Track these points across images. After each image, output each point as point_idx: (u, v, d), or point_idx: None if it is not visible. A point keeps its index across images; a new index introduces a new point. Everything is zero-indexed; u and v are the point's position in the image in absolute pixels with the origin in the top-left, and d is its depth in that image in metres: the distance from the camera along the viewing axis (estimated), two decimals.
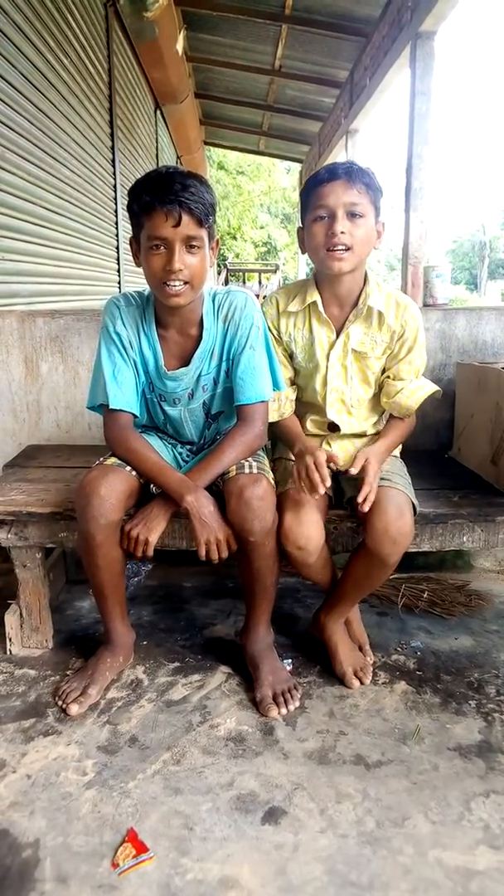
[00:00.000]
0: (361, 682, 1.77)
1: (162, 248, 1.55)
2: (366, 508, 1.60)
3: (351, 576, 1.75)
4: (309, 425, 1.90)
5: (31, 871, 1.22)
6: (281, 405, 1.83)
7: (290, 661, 1.87)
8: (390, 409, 1.82)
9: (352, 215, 1.61)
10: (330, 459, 1.62)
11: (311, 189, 1.65)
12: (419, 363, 1.81)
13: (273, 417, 1.80)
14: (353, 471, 1.63)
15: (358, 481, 1.77)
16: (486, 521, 1.84)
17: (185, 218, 1.51)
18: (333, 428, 1.87)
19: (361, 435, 1.91)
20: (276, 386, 1.76)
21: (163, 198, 1.49)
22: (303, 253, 1.77)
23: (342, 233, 1.61)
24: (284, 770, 1.47)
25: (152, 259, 1.56)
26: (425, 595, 2.25)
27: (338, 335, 1.79)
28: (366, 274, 1.77)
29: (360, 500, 1.59)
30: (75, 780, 1.45)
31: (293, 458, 1.72)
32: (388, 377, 1.81)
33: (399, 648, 1.96)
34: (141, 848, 1.26)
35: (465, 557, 2.50)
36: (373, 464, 1.64)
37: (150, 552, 1.64)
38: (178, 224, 1.51)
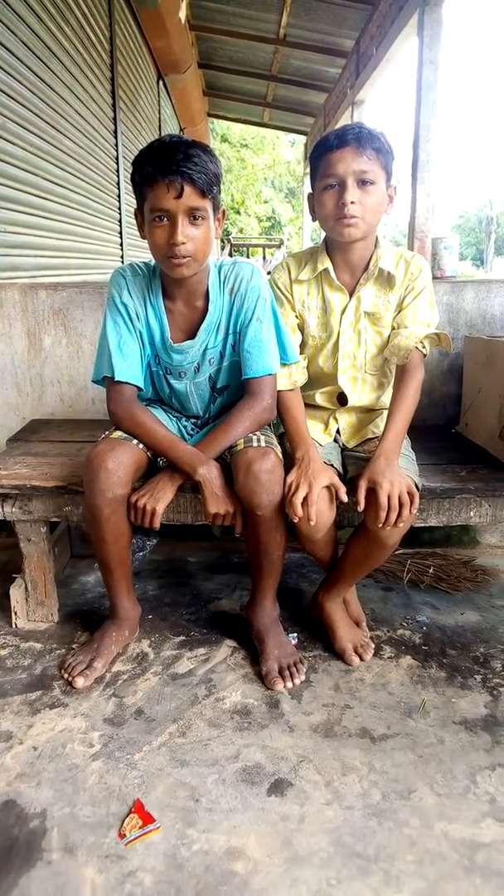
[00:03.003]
0: (361, 659, 1.76)
1: (164, 219, 1.51)
2: (360, 508, 1.58)
3: (350, 555, 1.74)
4: (318, 398, 1.88)
5: (38, 841, 1.23)
6: (292, 373, 1.78)
7: (295, 635, 1.87)
8: (390, 356, 1.76)
9: (362, 183, 1.57)
10: (335, 489, 1.61)
11: (321, 155, 1.60)
12: (424, 315, 1.74)
13: (284, 385, 1.76)
14: (359, 508, 1.58)
15: (361, 461, 1.75)
16: (494, 496, 1.83)
17: (188, 189, 1.47)
18: (343, 400, 1.85)
19: (369, 409, 1.88)
20: (284, 358, 1.73)
21: (164, 168, 1.46)
22: (314, 220, 1.73)
23: (352, 203, 1.57)
24: (290, 743, 1.48)
25: (155, 231, 1.53)
26: (431, 570, 2.24)
27: (349, 299, 1.76)
28: (376, 238, 1.74)
29: (356, 499, 1.58)
30: (82, 751, 1.45)
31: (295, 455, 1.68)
32: (394, 327, 1.77)
33: (405, 623, 1.96)
34: (147, 819, 1.27)
35: (472, 533, 2.49)
36: (383, 484, 1.55)
37: (157, 523, 1.64)
38: (180, 195, 1.47)
